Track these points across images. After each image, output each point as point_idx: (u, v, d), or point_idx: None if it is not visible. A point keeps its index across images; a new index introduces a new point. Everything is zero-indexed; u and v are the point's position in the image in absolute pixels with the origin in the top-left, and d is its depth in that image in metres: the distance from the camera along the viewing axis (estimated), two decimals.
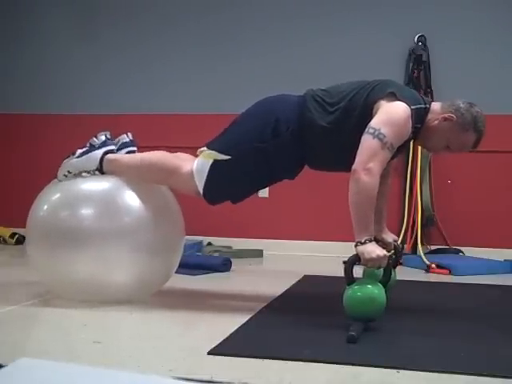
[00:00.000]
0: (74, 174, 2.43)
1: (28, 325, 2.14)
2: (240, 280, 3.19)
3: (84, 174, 2.43)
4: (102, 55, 4.60)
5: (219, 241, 4.15)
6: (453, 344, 1.92)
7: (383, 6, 4.24)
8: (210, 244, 4.16)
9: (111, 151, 2.48)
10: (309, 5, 4.34)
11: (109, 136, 2.53)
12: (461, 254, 3.98)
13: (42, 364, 1.23)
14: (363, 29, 4.23)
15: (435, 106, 2.34)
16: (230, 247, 4.13)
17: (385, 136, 2.13)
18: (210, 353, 1.76)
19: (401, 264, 3.66)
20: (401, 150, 2.32)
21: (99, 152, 2.45)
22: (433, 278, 3.35)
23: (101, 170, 2.43)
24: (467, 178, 4.11)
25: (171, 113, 4.40)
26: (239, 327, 2.05)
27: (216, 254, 3.81)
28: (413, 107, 2.21)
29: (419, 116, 2.26)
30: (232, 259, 3.48)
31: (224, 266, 3.38)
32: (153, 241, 2.38)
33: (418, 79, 4.13)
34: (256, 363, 1.69)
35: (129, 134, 2.57)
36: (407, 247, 4.01)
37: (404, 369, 1.64)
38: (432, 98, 4.10)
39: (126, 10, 4.59)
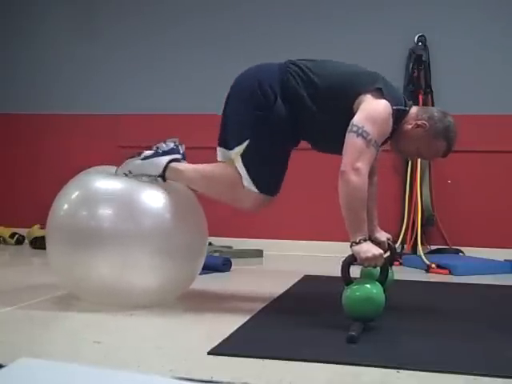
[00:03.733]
0: (135, 175, 2.39)
1: (28, 325, 2.14)
2: (240, 280, 3.19)
3: (144, 178, 2.38)
4: (103, 55, 4.60)
5: (219, 241, 4.15)
6: (453, 344, 1.92)
7: (383, 6, 4.24)
8: (210, 244, 4.15)
9: (176, 160, 2.43)
10: (309, 5, 4.34)
11: (177, 143, 2.47)
12: (461, 253, 3.99)
13: (42, 364, 1.23)
14: (363, 29, 4.24)
15: (413, 109, 2.36)
16: (230, 247, 4.14)
17: (368, 134, 2.14)
18: (210, 353, 1.76)
19: (400, 264, 3.67)
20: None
21: (165, 159, 2.40)
22: (433, 278, 3.35)
23: (163, 176, 2.39)
24: (467, 177, 4.11)
25: (173, 113, 4.40)
26: (239, 327, 2.05)
27: (216, 254, 3.81)
28: (394, 107, 2.23)
29: (397, 117, 2.27)
30: (232, 259, 3.49)
31: (224, 265, 3.38)
32: (176, 245, 2.33)
33: (418, 79, 4.13)
34: (256, 363, 1.69)
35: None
36: (407, 247, 4.01)
37: (404, 369, 1.64)
38: (432, 98, 4.11)
39: (128, 9, 4.59)
